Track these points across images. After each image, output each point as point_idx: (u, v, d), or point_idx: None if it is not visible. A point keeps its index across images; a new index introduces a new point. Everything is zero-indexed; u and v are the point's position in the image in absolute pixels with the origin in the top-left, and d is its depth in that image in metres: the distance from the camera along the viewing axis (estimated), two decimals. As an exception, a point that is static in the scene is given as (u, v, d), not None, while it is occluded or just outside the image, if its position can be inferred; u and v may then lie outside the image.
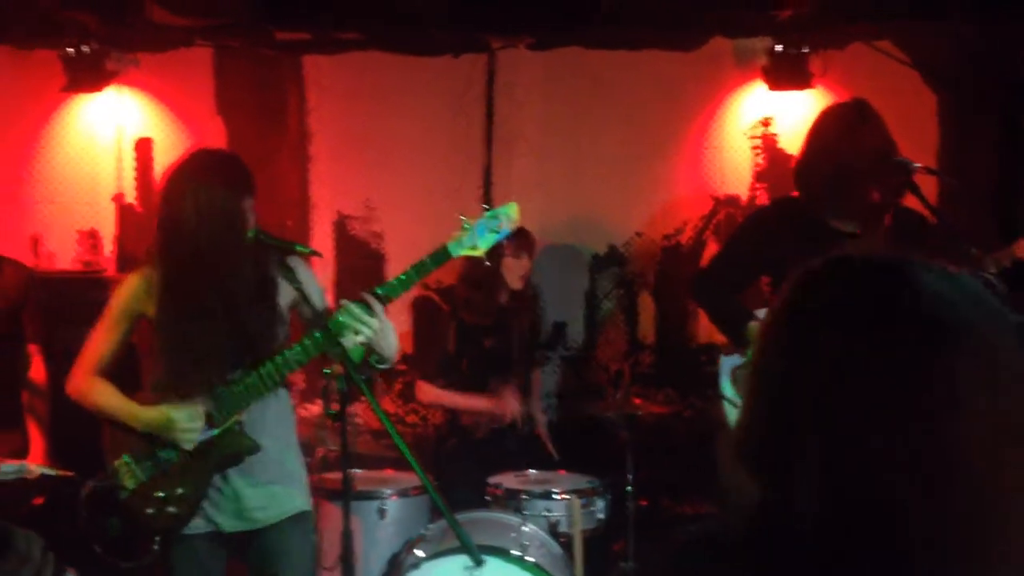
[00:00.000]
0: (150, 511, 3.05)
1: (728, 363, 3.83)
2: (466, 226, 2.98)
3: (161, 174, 3.14)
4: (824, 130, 3.56)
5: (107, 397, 3.12)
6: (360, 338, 2.88)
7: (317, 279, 3.26)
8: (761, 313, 3.67)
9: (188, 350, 3.02)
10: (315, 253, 3.12)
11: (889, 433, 0.97)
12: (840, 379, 1.00)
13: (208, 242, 2.96)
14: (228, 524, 3.11)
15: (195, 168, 3.07)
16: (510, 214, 3.01)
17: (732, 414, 3.75)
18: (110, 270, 5.42)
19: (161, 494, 3.04)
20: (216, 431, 3.03)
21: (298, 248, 3.08)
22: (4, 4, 5.06)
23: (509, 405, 4.64)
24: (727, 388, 3.80)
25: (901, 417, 0.97)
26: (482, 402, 4.66)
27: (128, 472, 3.08)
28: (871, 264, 1.07)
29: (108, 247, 5.54)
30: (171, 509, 3.04)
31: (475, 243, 2.97)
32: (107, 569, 3.10)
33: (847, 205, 3.55)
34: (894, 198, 3.58)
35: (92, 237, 5.47)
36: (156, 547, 3.06)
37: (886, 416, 0.97)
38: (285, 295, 3.11)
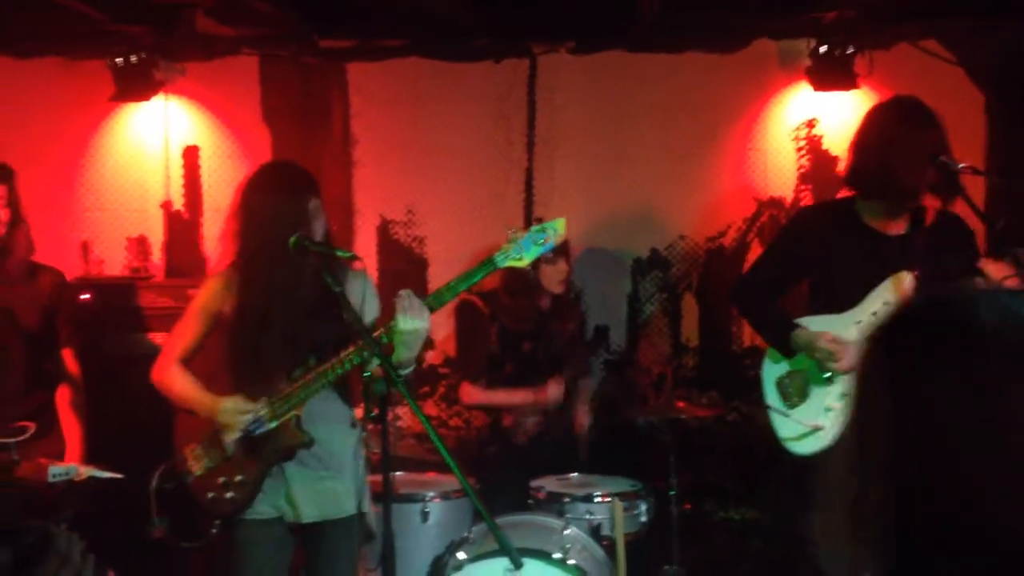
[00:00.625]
0: (211, 495, 3.26)
1: (772, 372, 3.76)
2: (512, 238, 3.03)
3: (236, 186, 3.38)
4: (875, 127, 3.51)
5: (181, 385, 3.35)
6: (412, 337, 2.98)
7: (373, 287, 3.37)
8: (805, 321, 3.63)
9: (253, 348, 3.20)
10: (355, 257, 3.18)
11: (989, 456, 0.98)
12: (938, 413, 1.01)
13: (276, 245, 3.14)
14: (287, 512, 3.29)
15: (263, 177, 3.32)
16: (557, 228, 3.04)
17: (779, 424, 3.68)
18: (158, 276, 5.51)
19: (222, 480, 3.25)
20: (274, 423, 3.19)
21: (338, 253, 3.16)
22: (55, 16, 5.17)
23: (551, 391, 4.65)
24: (772, 398, 3.73)
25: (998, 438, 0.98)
26: (526, 394, 4.68)
27: (196, 459, 3.30)
28: (952, 302, 1.09)
29: (156, 253, 5.63)
30: (230, 495, 3.24)
31: (521, 255, 3.02)
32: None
33: (895, 205, 3.50)
34: (941, 199, 3.53)
35: (140, 243, 5.56)
36: (215, 530, 3.27)
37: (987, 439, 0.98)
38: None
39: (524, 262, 3.03)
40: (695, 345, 5.50)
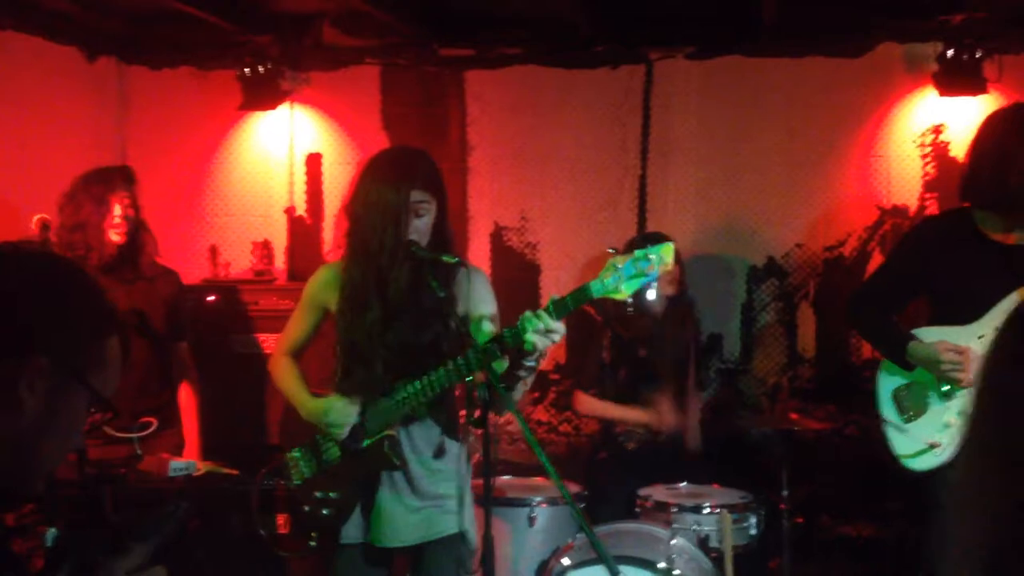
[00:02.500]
0: (307, 508, 3.16)
1: (888, 384, 3.64)
2: (611, 264, 2.74)
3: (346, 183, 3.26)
4: (990, 135, 3.39)
5: (286, 378, 3.27)
6: (540, 343, 2.76)
7: (482, 280, 3.21)
8: (921, 333, 3.51)
9: (354, 349, 3.11)
10: (461, 262, 3.04)
11: None
12: None
13: (373, 238, 3.01)
14: (380, 538, 3.15)
15: (371, 164, 3.16)
16: (664, 257, 2.73)
17: (895, 438, 3.57)
18: (281, 279, 5.68)
19: (319, 494, 3.14)
20: (366, 442, 3.07)
21: (444, 258, 3.01)
22: (188, 27, 5.40)
23: (665, 418, 4.60)
24: (888, 411, 3.61)
25: None
26: (639, 414, 4.64)
27: (295, 466, 3.20)
28: None
29: (280, 257, 5.80)
30: (325, 511, 3.13)
31: (619, 286, 2.73)
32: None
33: (1013, 215, 3.37)
34: None
35: (265, 247, 5.73)
36: (312, 543, 3.16)
37: None
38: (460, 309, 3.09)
39: (623, 294, 2.74)
40: (811, 356, 5.38)
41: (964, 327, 3.43)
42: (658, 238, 4.75)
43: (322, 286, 3.24)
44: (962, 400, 3.43)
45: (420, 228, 3.06)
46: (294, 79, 5.69)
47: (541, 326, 2.74)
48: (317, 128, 5.78)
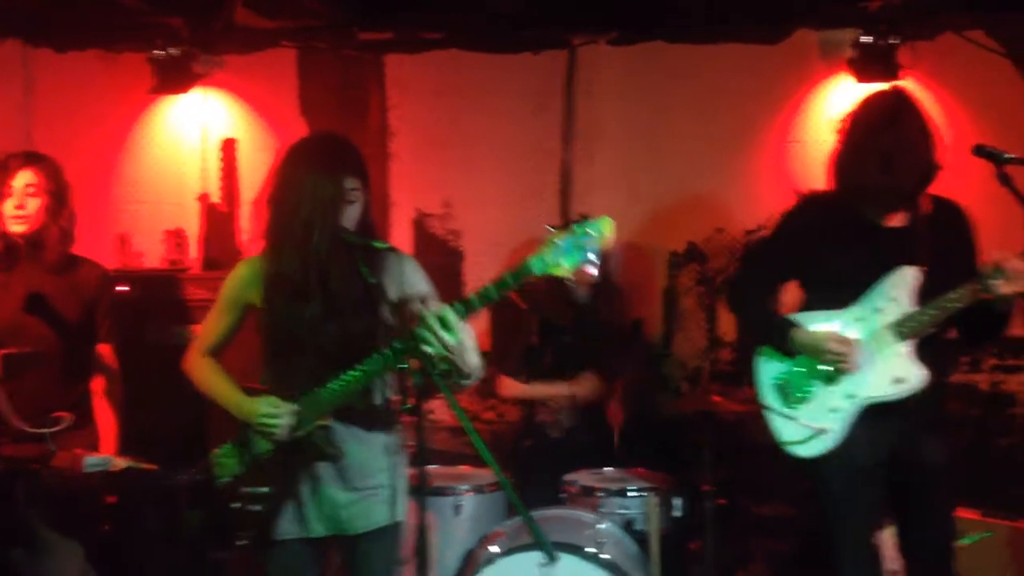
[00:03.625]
0: (236, 505, 3.08)
1: (769, 371, 3.56)
2: (551, 240, 2.72)
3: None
4: (864, 120, 3.40)
5: (212, 379, 3.19)
6: (434, 352, 2.77)
7: (413, 266, 3.15)
8: (801, 318, 3.48)
9: (283, 341, 3.04)
10: (392, 249, 3.02)
11: None
12: None
13: (305, 227, 2.95)
14: (317, 529, 3.09)
15: (297, 153, 3.08)
16: (602, 230, 2.70)
17: (781, 426, 3.50)
18: (195, 269, 5.55)
19: (248, 490, 3.07)
20: (301, 432, 3.01)
21: (375, 244, 2.98)
22: (94, 8, 5.22)
23: (588, 389, 4.62)
24: (772, 398, 3.53)
25: None
26: (562, 388, 4.66)
27: (223, 463, 3.13)
28: None
29: (193, 246, 5.66)
30: (255, 507, 3.06)
31: (559, 261, 2.69)
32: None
33: (888, 197, 3.38)
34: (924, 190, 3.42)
35: (178, 236, 5.59)
36: (242, 541, 3.08)
37: None
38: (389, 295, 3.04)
39: (563, 270, 2.70)
40: (732, 339, 5.44)
41: (842, 310, 3.42)
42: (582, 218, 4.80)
43: (243, 283, 3.15)
44: (848, 385, 3.39)
45: (351, 215, 3.02)
46: (207, 62, 5.54)
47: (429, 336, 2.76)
48: (231, 113, 5.66)
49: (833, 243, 3.44)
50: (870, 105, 3.47)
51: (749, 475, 5.08)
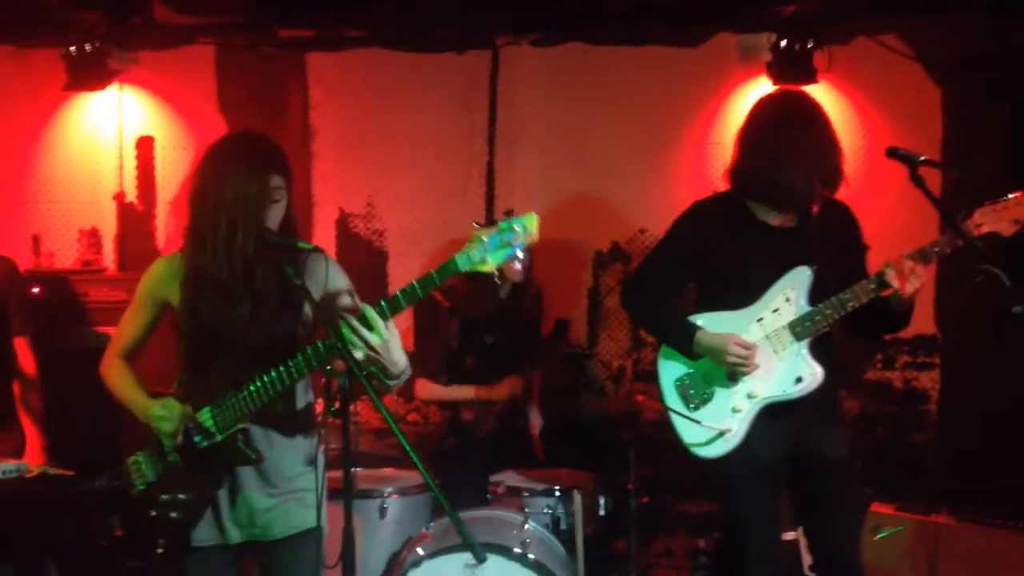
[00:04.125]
0: (153, 513, 3.01)
1: (670, 373, 3.57)
2: (476, 236, 2.69)
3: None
4: (762, 123, 3.47)
5: (120, 384, 3.09)
6: (359, 354, 2.74)
7: (336, 267, 3.10)
8: (701, 319, 3.50)
9: (202, 344, 2.98)
10: (316, 249, 2.94)
11: None
12: None
13: (230, 226, 2.89)
14: (235, 535, 3.03)
15: (220, 150, 3.01)
16: (528, 226, 2.66)
17: (684, 428, 3.52)
18: (110, 269, 5.42)
19: (166, 497, 2.99)
20: (219, 438, 2.95)
21: (300, 244, 2.92)
22: (6, 3, 5.06)
23: (506, 388, 4.62)
24: (673, 400, 3.55)
25: None
26: (479, 391, 4.65)
27: (138, 470, 3.05)
28: None
29: (109, 246, 5.53)
30: (173, 514, 2.99)
31: (485, 257, 2.67)
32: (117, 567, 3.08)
33: (780, 196, 3.44)
34: (832, 191, 3.48)
35: (93, 236, 5.46)
36: (160, 550, 3.00)
37: None
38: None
39: (489, 266, 2.67)
40: (654, 339, 5.48)
41: (742, 311, 3.47)
42: (507, 215, 4.79)
43: (160, 281, 3.07)
44: (748, 385, 3.44)
45: (275, 215, 2.97)
46: (123, 58, 5.42)
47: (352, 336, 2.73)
48: (148, 110, 5.54)
49: (727, 244, 3.50)
50: (764, 108, 3.53)
51: (672, 473, 5.14)
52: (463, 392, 4.67)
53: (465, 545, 2.67)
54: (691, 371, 3.54)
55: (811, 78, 5.17)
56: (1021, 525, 4.13)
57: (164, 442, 3.00)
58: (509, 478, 4.31)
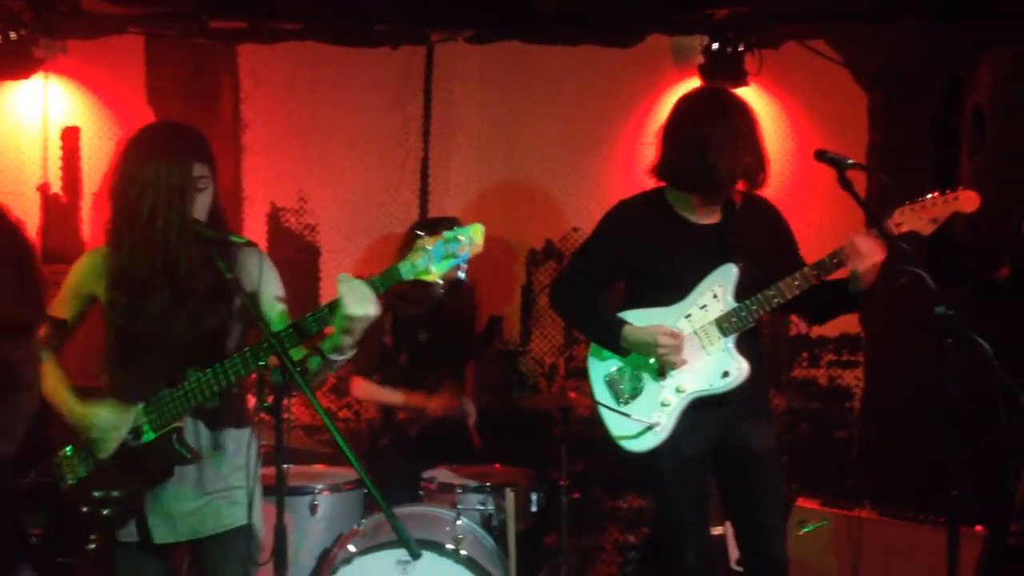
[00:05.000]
0: (85, 509, 2.96)
1: (600, 369, 3.64)
2: (421, 246, 2.68)
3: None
4: (690, 119, 3.53)
5: (47, 379, 3.01)
6: (357, 324, 2.72)
7: (269, 264, 3.07)
8: (629, 316, 3.55)
9: (130, 337, 2.93)
10: (250, 244, 2.93)
11: None
12: None
13: (151, 217, 2.86)
14: (161, 534, 3.00)
15: (140, 141, 2.98)
16: (473, 237, 2.66)
17: (611, 422, 3.59)
18: (35, 261, 5.28)
19: (98, 494, 2.95)
20: (152, 436, 2.92)
21: (232, 239, 2.88)
22: (-75, -13, 4.92)
23: (446, 404, 4.62)
24: (603, 396, 3.62)
25: None
26: (418, 400, 4.64)
27: (69, 465, 3.00)
28: None
29: (32, 238, 5.40)
30: (105, 511, 2.95)
31: (428, 267, 2.67)
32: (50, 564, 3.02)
33: (704, 190, 3.50)
34: (757, 187, 3.54)
35: (16, 227, 5.31)
36: (91, 546, 2.97)
37: None
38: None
39: (433, 276, 2.66)
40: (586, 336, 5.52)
41: (669, 308, 3.53)
42: (448, 222, 4.78)
43: (86, 274, 3.03)
44: (676, 379, 3.50)
45: (201, 204, 2.94)
46: (49, 47, 5.29)
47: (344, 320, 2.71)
48: (74, 100, 5.41)
49: (651, 242, 3.55)
50: (690, 100, 3.61)
51: (603, 469, 5.19)
52: (399, 397, 4.64)
53: (397, 541, 2.66)
54: (621, 366, 3.60)
55: (742, 81, 5.24)
56: (940, 520, 4.24)
57: (98, 448, 2.94)
58: (441, 474, 4.32)
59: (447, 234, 2.69)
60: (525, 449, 4.75)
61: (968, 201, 3.28)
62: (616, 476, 5.31)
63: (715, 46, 5.23)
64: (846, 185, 3.27)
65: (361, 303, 2.69)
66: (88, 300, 3.04)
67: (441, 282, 2.72)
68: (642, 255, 3.56)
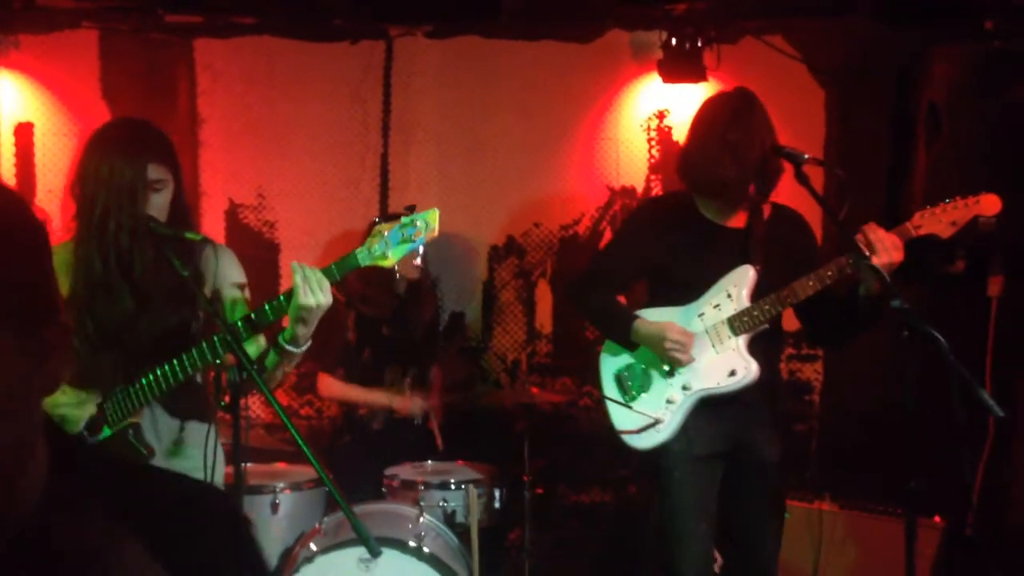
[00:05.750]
0: None
1: (611, 364, 3.68)
2: (377, 231, 2.70)
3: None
4: (713, 118, 3.54)
5: None
6: (310, 313, 2.69)
7: (228, 256, 3.07)
8: (645, 314, 3.58)
9: (90, 335, 2.90)
10: (205, 240, 2.93)
11: None
12: None
13: (109, 217, 2.84)
14: None
15: (99, 138, 2.96)
16: (429, 222, 2.68)
17: (616, 416, 3.61)
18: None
19: None
20: (108, 432, 2.89)
21: (187, 235, 2.86)
22: None
23: (411, 403, 4.61)
24: (611, 391, 3.65)
25: None
26: (382, 398, 4.62)
27: None
28: None
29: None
30: None
31: (385, 252, 2.69)
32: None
33: (730, 197, 3.53)
34: (770, 190, 3.58)
35: (-31, 224, 5.22)
36: None
37: None
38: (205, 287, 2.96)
39: (390, 261, 2.69)
40: (549, 332, 5.54)
41: (684, 307, 3.55)
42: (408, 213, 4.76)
43: (56, 269, 2.97)
44: (684, 377, 3.52)
45: (158, 204, 2.91)
46: (1, 42, 5.21)
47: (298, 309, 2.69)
48: (27, 95, 5.32)
49: (674, 242, 3.56)
50: (715, 104, 3.60)
51: (566, 464, 5.20)
52: (366, 395, 4.62)
53: (359, 539, 2.65)
54: (631, 363, 3.62)
55: (701, 76, 5.27)
56: (899, 511, 4.29)
57: (66, 425, 2.89)
58: (404, 471, 4.30)
59: (404, 219, 2.71)
60: (488, 445, 4.74)
61: (989, 204, 3.26)
62: (580, 471, 5.32)
63: (674, 41, 5.24)
64: (802, 180, 3.30)
65: (314, 292, 2.67)
66: None
67: (397, 268, 2.72)
68: (664, 254, 3.58)
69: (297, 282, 2.68)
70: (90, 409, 2.90)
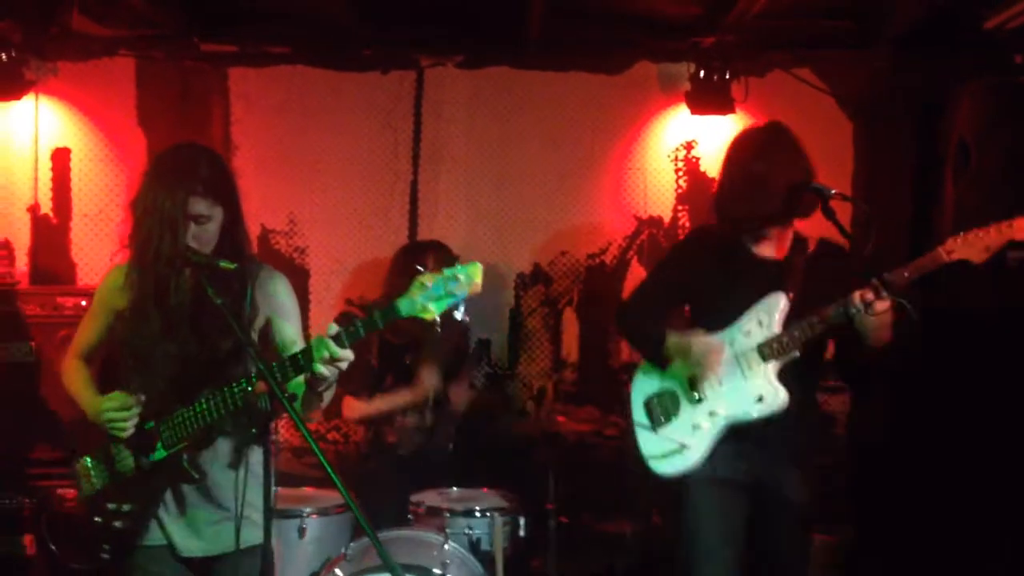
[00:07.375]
0: (98, 520, 3.02)
1: (642, 389, 3.69)
2: (421, 283, 2.66)
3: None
4: (742, 152, 3.57)
5: (73, 381, 3.12)
6: (324, 370, 2.75)
7: (292, 302, 3.16)
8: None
9: (130, 358, 2.98)
10: (261, 266, 3.02)
11: None
12: None
13: (150, 245, 2.89)
14: (186, 547, 3.03)
15: (155, 163, 3.03)
16: (472, 275, 2.63)
17: (644, 440, 3.61)
18: (23, 283, 5.28)
19: (112, 506, 3.00)
20: (163, 454, 2.96)
21: (221, 264, 2.87)
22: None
23: (426, 382, 4.62)
24: (640, 416, 3.65)
25: None
26: (404, 394, 4.64)
27: (86, 476, 3.05)
28: None
29: (22, 259, 5.40)
30: (117, 523, 3.00)
31: (427, 305, 2.64)
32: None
33: (766, 228, 3.55)
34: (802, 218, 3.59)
35: (6, 248, 5.33)
36: (105, 555, 3.01)
37: None
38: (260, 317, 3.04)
39: (431, 314, 2.64)
40: (575, 360, 5.56)
41: (718, 333, 3.53)
42: (436, 246, 4.80)
43: (113, 288, 3.08)
44: (711, 403, 3.52)
45: (203, 235, 2.95)
46: (40, 68, 5.34)
47: (327, 355, 2.72)
48: (65, 121, 5.44)
49: (712, 270, 3.59)
50: (742, 137, 3.63)
51: (591, 493, 5.19)
52: (387, 400, 4.65)
53: (384, 566, 2.67)
54: (661, 391, 3.63)
55: (728, 108, 5.31)
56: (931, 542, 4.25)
57: (118, 448, 2.98)
58: (429, 498, 4.31)
59: (447, 271, 2.67)
60: (513, 473, 4.75)
61: (1023, 229, 3.25)
62: (604, 500, 5.31)
63: (702, 74, 5.29)
64: (829, 215, 3.31)
65: (326, 365, 2.74)
66: (114, 313, 3.08)
67: (438, 319, 2.73)
68: (700, 282, 3.61)
69: (320, 356, 2.73)
70: (135, 417, 2.96)
